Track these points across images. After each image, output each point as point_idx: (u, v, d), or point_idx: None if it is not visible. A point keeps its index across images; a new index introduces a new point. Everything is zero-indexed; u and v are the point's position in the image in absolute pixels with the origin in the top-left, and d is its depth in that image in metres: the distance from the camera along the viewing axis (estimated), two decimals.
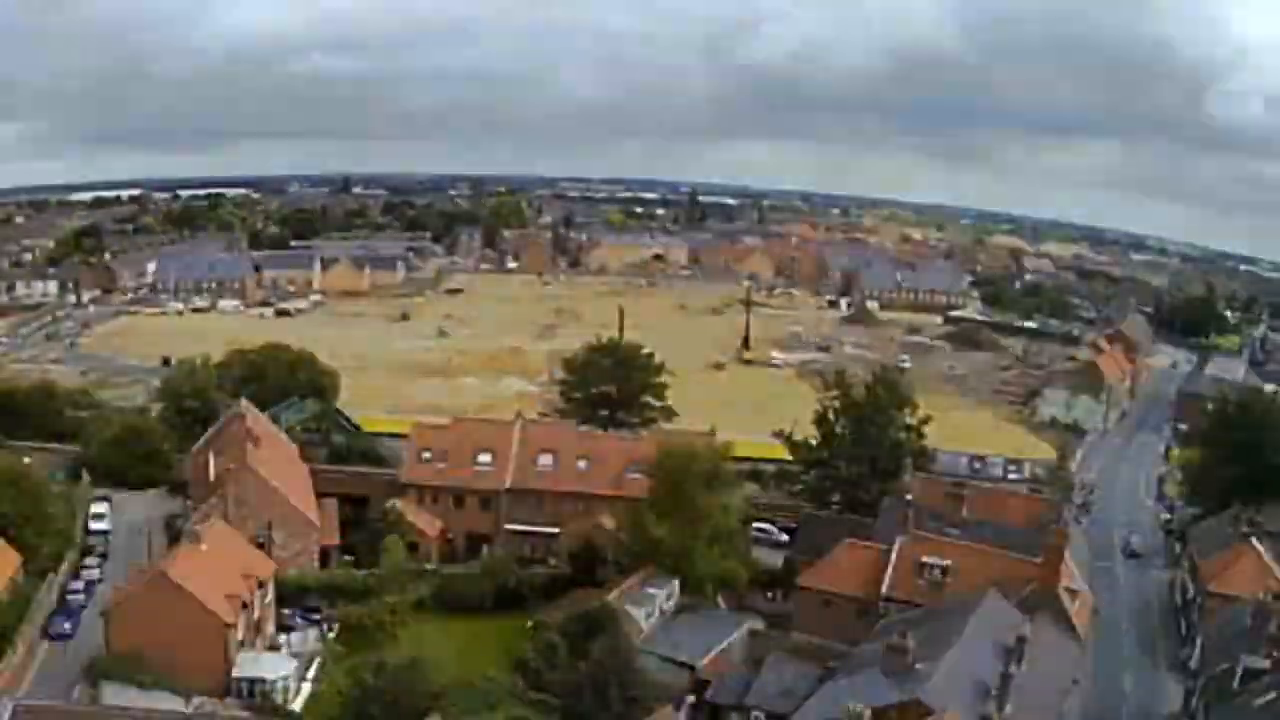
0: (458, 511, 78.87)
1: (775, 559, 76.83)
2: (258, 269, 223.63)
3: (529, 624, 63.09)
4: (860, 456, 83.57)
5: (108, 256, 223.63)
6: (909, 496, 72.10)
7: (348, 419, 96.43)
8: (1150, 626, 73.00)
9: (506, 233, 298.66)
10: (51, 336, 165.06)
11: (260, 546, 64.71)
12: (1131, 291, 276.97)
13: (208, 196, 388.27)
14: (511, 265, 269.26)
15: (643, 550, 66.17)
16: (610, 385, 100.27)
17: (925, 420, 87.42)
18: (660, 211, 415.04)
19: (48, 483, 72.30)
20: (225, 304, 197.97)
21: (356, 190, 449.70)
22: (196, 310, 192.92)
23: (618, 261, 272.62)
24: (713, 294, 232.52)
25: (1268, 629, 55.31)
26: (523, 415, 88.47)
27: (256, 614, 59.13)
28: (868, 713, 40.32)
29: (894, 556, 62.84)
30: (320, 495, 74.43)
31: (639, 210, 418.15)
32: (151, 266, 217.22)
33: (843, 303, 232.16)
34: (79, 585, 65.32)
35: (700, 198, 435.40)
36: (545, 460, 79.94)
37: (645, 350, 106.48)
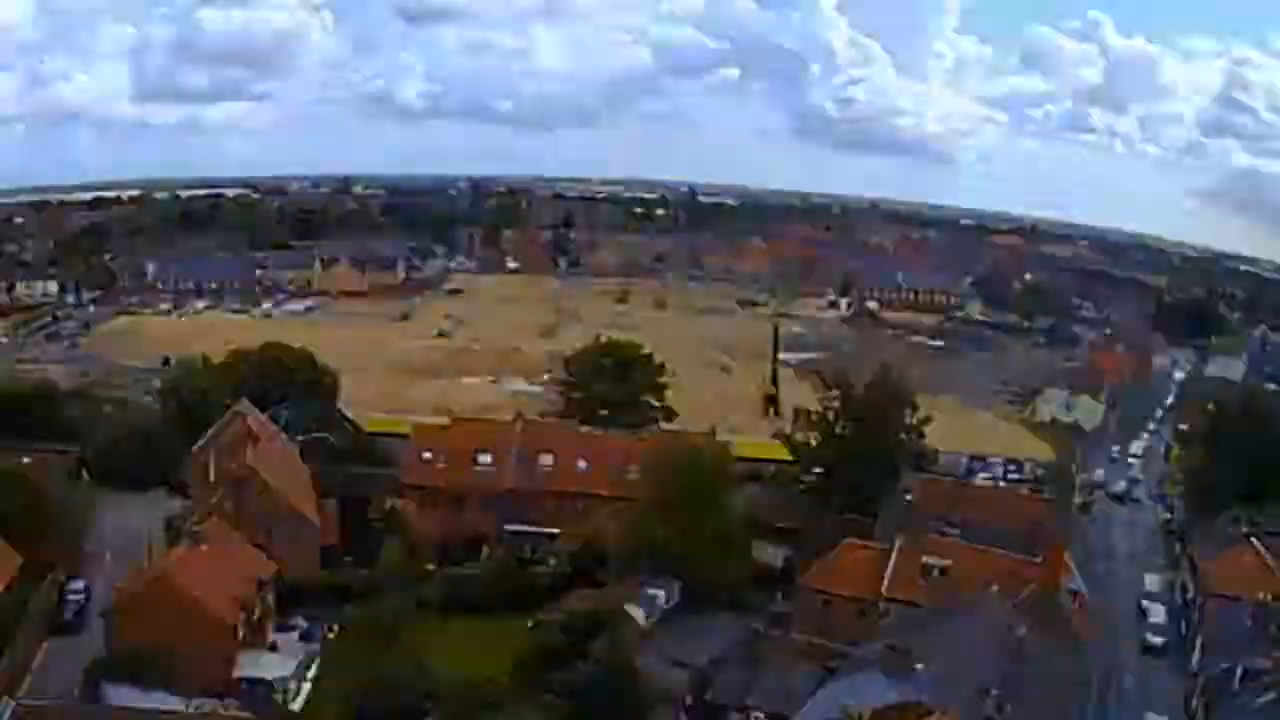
0: (458, 511, 78.85)
1: (775, 559, 76.82)
2: (258, 269, 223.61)
3: (529, 624, 63.11)
4: (860, 457, 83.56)
5: (108, 256, 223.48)
6: (909, 496, 72.17)
7: (348, 419, 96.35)
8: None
9: (506, 232, 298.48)
10: (51, 336, 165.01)
11: (260, 547, 64.71)
12: (1132, 291, 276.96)
13: (208, 196, 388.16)
14: (512, 265, 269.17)
15: (643, 550, 66.19)
16: (610, 386, 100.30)
17: (925, 420, 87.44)
18: (660, 211, 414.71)
19: (48, 483, 72.25)
20: (207, 305, 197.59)
21: (356, 190, 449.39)
22: (198, 312, 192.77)
23: (618, 261, 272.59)
24: (713, 294, 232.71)
25: (1268, 629, 55.38)
26: (523, 415, 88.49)
27: (257, 614, 59.16)
28: (868, 713, 40.35)
29: (894, 556, 62.88)
30: (320, 495, 74.47)
31: (639, 210, 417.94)
32: (151, 266, 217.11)
33: (843, 303, 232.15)
34: (79, 585, 65.36)
35: (700, 198, 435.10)
36: (545, 460, 79.95)
37: (645, 350, 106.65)
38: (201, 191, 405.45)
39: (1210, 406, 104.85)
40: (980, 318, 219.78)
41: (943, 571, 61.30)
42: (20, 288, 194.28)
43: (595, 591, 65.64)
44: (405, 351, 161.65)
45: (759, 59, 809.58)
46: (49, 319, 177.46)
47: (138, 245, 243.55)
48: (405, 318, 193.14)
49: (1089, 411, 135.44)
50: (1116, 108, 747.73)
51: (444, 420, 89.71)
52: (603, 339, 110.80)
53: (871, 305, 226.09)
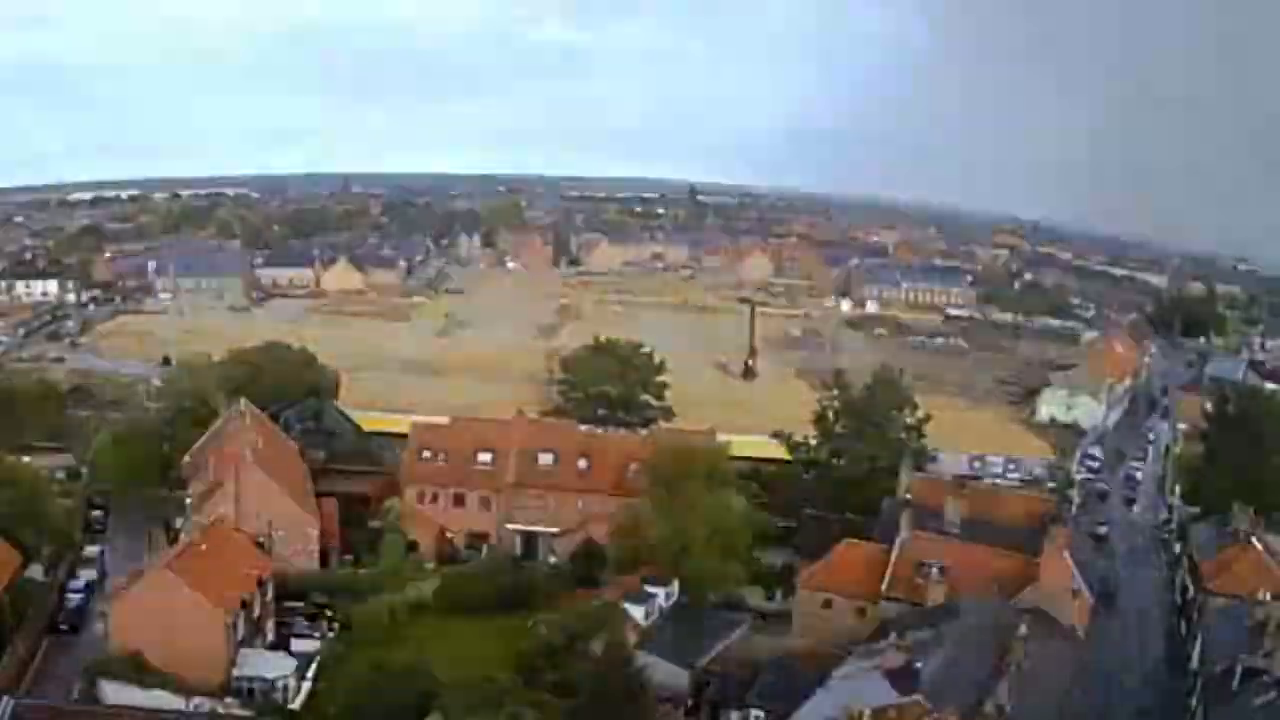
0: (458, 511, 78.95)
1: (775, 559, 76.82)
2: (257, 269, 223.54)
3: (529, 624, 63.08)
4: (860, 456, 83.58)
5: (108, 256, 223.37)
6: (909, 496, 72.12)
7: (348, 419, 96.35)
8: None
9: (506, 232, 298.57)
10: (51, 336, 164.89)
11: (260, 546, 64.72)
12: (1131, 291, 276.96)
13: (208, 196, 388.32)
14: (512, 265, 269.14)
15: (642, 549, 66.18)
16: (610, 385, 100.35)
17: (925, 420, 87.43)
18: (660, 211, 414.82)
19: (48, 482, 72.29)
20: (206, 305, 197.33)
21: (356, 190, 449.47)
22: (198, 312, 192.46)
23: (618, 261, 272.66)
24: (712, 294, 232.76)
25: (1268, 629, 55.29)
26: (523, 414, 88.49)
27: (256, 613, 59.17)
28: (868, 712, 40.33)
29: (894, 556, 62.84)
30: (320, 495, 74.53)
31: (639, 210, 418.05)
32: (151, 266, 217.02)
33: (843, 303, 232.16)
34: (79, 585, 65.39)
35: (700, 198, 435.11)
36: (545, 459, 80.00)
37: (645, 349, 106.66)
38: (202, 191, 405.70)
39: (1210, 406, 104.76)
40: (980, 318, 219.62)
41: (943, 571, 61.24)
42: (20, 288, 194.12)
43: (595, 591, 65.65)
44: (405, 351, 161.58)
45: None
46: (49, 319, 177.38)
47: (138, 245, 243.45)
48: (405, 318, 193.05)
49: (1089, 411, 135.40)
50: None
51: (444, 419, 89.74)
52: (603, 338, 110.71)
53: (871, 305, 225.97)
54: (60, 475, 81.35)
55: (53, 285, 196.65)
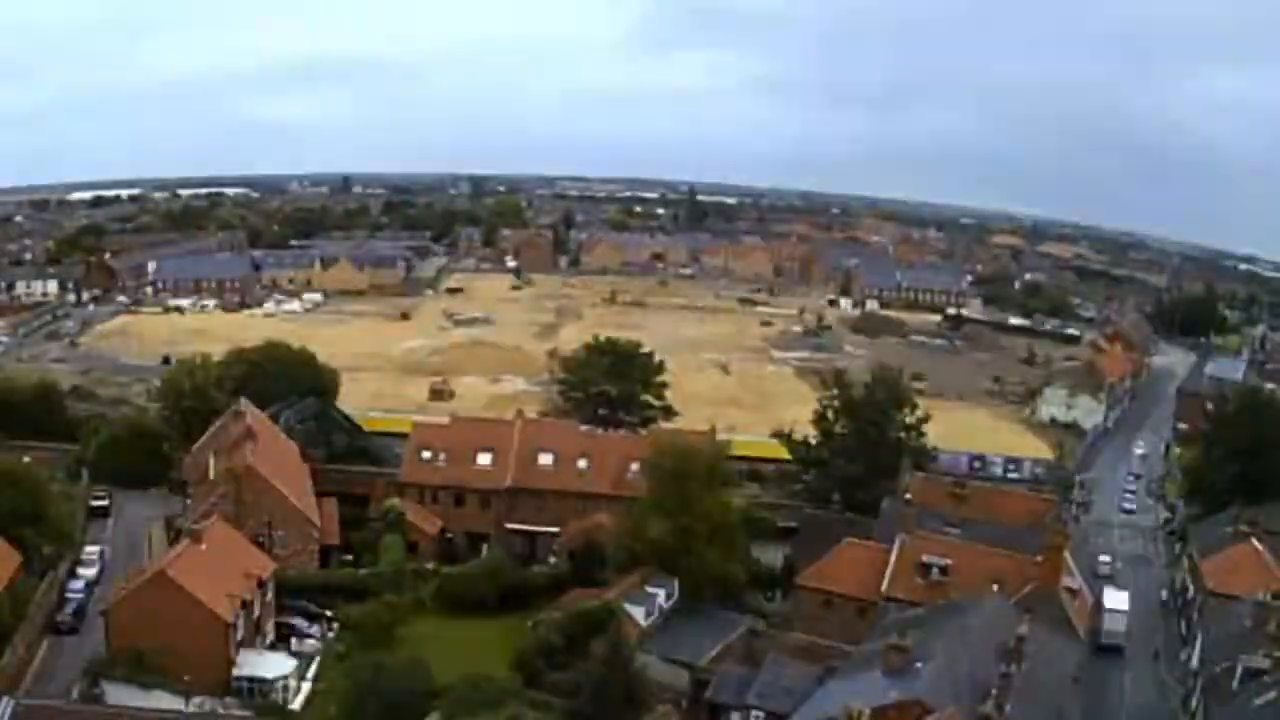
0: (458, 511, 78.92)
1: (775, 558, 76.80)
2: (258, 268, 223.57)
3: (529, 624, 63.07)
4: (860, 456, 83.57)
5: (108, 256, 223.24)
6: (909, 496, 72.13)
7: (348, 418, 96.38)
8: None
9: (506, 232, 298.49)
10: (51, 336, 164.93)
11: (260, 546, 64.71)
12: (1131, 291, 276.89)
13: (208, 196, 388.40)
14: (512, 265, 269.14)
15: (642, 550, 66.15)
16: (610, 385, 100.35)
17: (925, 419, 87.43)
18: (660, 211, 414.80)
19: (48, 482, 72.27)
20: (207, 304, 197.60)
21: (356, 190, 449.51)
22: (198, 311, 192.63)
23: (618, 261, 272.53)
24: (713, 293, 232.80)
25: (1268, 629, 55.31)
26: (523, 414, 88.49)
27: (256, 613, 59.14)
28: (867, 712, 40.29)
29: (894, 556, 62.86)
30: (320, 495, 74.49)
31: (639, 210, 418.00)
32: (151, 266, 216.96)
33: (843, 302, 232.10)
34: (79, 585, 65.36)
35: (700, 198, 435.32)
36: (545, 459, 79.98)
37: (644, 349, 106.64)
38: (202, 191, 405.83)
39: (1210, 406, 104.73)
40: (980, 318, 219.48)
41: (943, 571, 61.27)
42: (20, 287, 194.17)
43: (595, 591, 65.63)
44: (405, 351, 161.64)
45: None
46: (49, 318, 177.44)
47: (138, 245, 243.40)
48: (405, 317, 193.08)
49: (1089, 411, 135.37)
50: None
51: (444, 419, 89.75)
52: (602, 338, 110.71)
53: (871, 305, 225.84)
54: (60, 475, 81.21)
55: (53, 285, 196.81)
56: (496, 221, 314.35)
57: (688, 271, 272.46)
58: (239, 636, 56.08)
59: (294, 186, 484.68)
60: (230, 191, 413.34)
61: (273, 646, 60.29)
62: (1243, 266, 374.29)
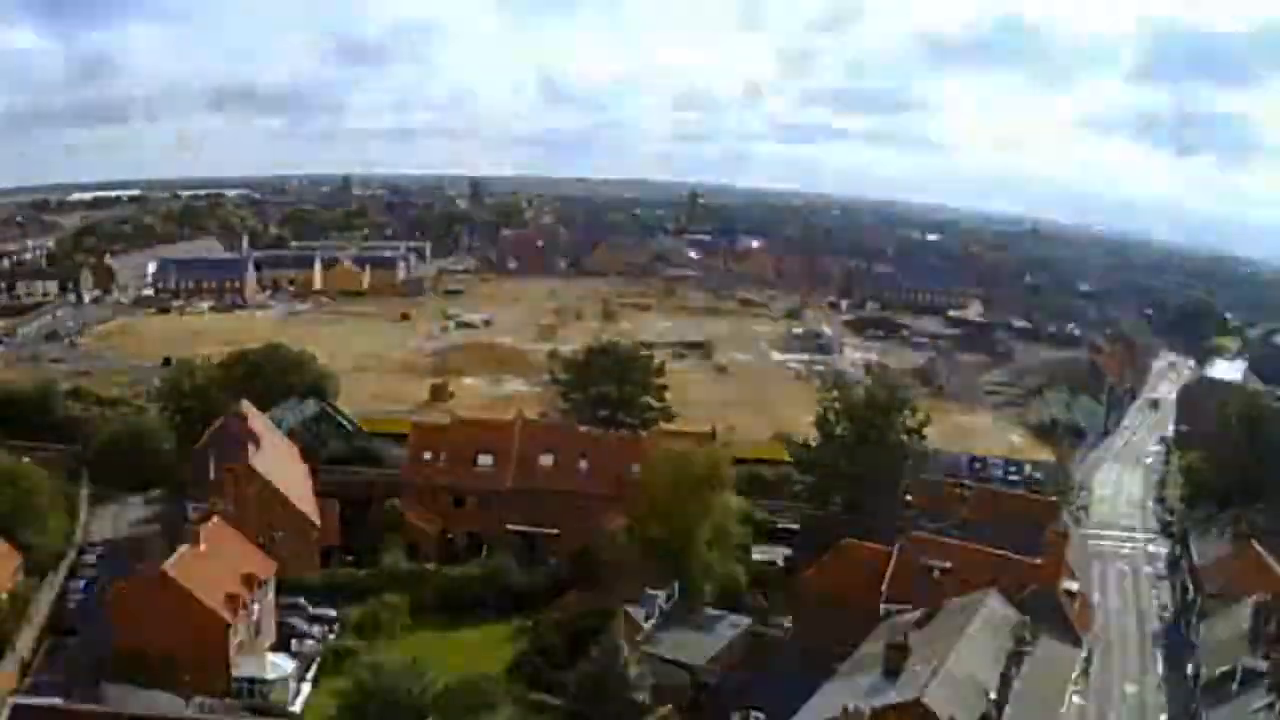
0: (458, 511, 78.94)
1: (775, 559, 76.81)
2: (258, 269, 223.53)
3: (529, 624, 63.07)
4: (860, 458, 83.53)
5: (108, 256, 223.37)
6: (909, 498, 72.15)
7: (347, 419, 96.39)
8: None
9: (506, 232, 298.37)
10: (51, 336, 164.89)
11: (260, 546, 64.70)
12: (1132, 292, 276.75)
13: (208, 196, 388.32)
14: (511, 265, 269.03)
15: (642, 551, 66.15)
16: (610, 385, 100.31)
17: (925, 421, 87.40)
18: (660, 212, 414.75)
19: (47, 483, 72.31)
20: (207, 305, 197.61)
21: (356, 190, 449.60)
22: (198, 312, 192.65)
23: (617, 261, 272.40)
24: (713, 294, 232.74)
25: (1267, 629, 55.35)
26: (523, 415, 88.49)
27: (256, 614, 59.14)
28: (867, 713, 40.31)
29: (894, 557, 62.85)
30: (320, 495, 74.49)
31: (638, 211, 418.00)
32: (151, 266, 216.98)
33: (843, 304, 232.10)
34: (79, 585, 65.38)
35: (700, 198, 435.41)
36: (545, 460, 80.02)
37: (644, 350, 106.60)
38: (202, 191, 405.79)
39: (1210, 408, 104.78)
40: (980, 318, 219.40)
41: (943, 571, 61.24)
42: (20, 288, 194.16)
43: (594, 592, 65.61)
44: (405, 351, 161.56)
45: None
46: (49, 319, 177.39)
47: (138, 245, 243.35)
48: (405, 318, 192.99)
49: (1089, 412, 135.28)
50: None
51: (444, 420, 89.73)
52: (602, 339, 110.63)
53: (872, 306, 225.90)
54: (60, 475, 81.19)
55: (53, 285, 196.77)
56: (496, 222, 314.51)
57: (687, 272, 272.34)
58: (239, 637, 56.09)
59: (294, 187, 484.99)
60: (230, 192, 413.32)
61: (273, 647, 60.29)
62: (1243, 267, 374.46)
